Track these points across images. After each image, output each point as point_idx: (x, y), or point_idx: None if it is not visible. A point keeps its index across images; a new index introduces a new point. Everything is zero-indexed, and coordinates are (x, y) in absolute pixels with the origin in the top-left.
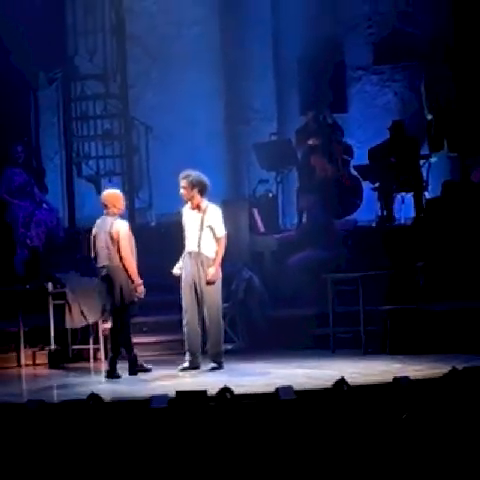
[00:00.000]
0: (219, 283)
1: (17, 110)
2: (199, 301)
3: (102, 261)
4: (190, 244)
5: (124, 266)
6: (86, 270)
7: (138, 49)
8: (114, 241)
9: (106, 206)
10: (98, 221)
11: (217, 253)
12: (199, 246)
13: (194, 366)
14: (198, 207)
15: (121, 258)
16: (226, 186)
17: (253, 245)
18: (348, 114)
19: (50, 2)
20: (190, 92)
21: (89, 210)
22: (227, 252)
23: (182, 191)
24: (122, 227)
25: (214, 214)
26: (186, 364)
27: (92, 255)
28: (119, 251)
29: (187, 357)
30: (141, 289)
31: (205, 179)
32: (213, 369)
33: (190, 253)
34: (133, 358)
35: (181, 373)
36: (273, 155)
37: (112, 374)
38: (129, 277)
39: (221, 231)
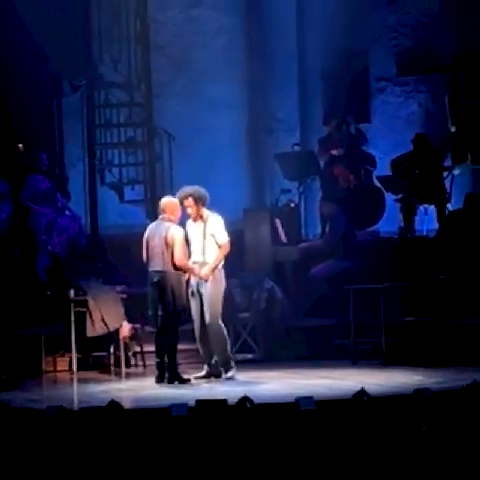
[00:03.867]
0: (220, 291)
1: (41, 117)
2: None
3: (156, 266)
4: (195, 254)
5: (178, 271)
6: (107, 278)
7: (162, 58)
8: (169, 246)
9: (164, 211)
10: (152, 225)
11: (216, 256)
12: (204, 255)
13: (212, 374)
14: (201, 217)
15: (174, 263)
16: (248, 195)
17: (275, 255)
18: (371, 125)
19: (75, 10)
20: (214, 101)
21: (112, 218)
22: (249, 262)
23: (189, 210)
24: (177, 233)
25: (215, 222)
26: (202, 372)
27: (144, 258)
28: (172, 256)
29: (205, 366)
30: (197, 271)
31: (204, 191)
32: (227, 379)
33: (195, 263)
34: (173, 367)
35: (195, 381)
36: (296, 165)
37: (162, 379)
38: (188, 271)
39: (223, 238)
